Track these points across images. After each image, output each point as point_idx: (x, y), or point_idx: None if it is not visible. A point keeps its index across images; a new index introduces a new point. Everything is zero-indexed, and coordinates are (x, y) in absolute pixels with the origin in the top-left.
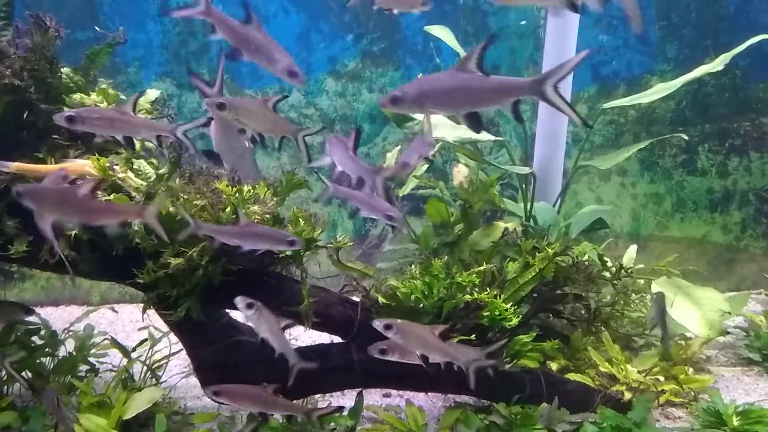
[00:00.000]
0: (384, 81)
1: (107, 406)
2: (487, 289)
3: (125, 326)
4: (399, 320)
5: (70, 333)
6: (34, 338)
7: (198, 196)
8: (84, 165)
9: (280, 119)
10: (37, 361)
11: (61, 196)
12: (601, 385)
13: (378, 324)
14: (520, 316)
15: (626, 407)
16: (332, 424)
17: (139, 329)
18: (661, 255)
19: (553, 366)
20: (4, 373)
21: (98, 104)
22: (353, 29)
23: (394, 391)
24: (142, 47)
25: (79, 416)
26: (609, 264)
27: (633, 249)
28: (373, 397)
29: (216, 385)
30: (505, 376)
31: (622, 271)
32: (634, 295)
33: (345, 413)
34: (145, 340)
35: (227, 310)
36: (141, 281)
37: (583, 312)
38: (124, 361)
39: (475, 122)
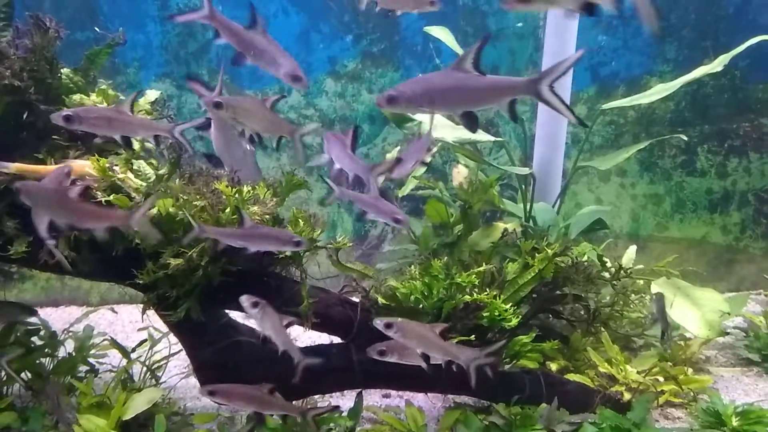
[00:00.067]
0: (384, 82)
1: (107, 407)
2: (487, 289)
3: (125, 327)
4: (399, 319)
5: (70, 333)
6: (34, 339)
7: (198, 197)
8: (84, 165)
9: (279, 119)
10: (37, 361)
11: (54, 195)
12: (601, 385)
13: (378, 323)
14: (520, 316)
15: (626, 408)
16: (332, 424)
17: (139, 330)
18: (660, 256)
19: (553, 366)
20: (3, 373)
21: (97, 104)
22: (353, 30)
23: (393, 392)
24: (142, 48)
25: (78, 417)
26: (608, 264)
27: (632, 250)
28: (373, 397)
29: (212, 384)
30: (504, 377)
31: (622, 271)
32: (633, 295)
33: (345, 414)
34: (145, 340)
35: (226, 311)
36: (141, 282)
37: (582, 312)
38: (124, 361)
39: (472, 122)
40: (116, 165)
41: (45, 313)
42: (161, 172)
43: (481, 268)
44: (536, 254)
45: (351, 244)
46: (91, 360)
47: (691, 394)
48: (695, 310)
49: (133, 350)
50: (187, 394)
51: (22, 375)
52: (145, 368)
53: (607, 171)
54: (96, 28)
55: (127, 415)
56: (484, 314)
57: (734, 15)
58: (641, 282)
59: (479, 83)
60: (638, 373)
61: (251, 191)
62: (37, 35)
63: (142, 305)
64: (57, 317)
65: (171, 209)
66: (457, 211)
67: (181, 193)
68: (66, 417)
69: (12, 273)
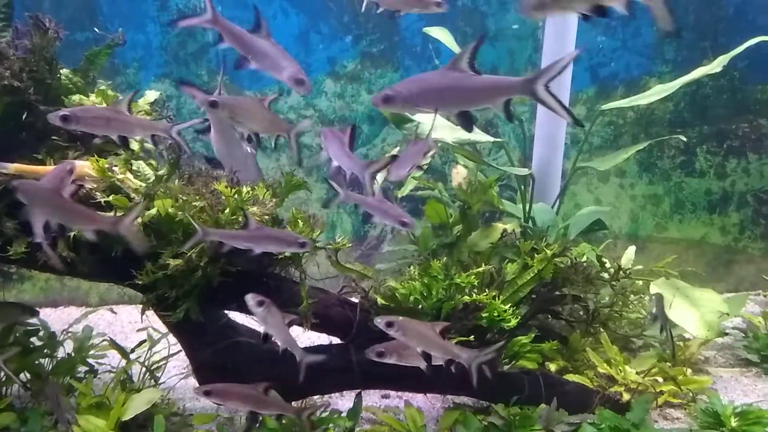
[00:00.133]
0: (383, 82)
1: (106, 408)
2: (486, 290)
3: (124, 327)
4: (400, 317)
5: (69, 334)
6: (33, 339)
7: (197, 198)
8: (83, 166)
9: (276, 118)
10: (36, 362)
11: (49, 195)
12: (600, 386)
13: (380, 321)
14: (519, 317)
15: (625, 408)
16: (331, 425)
17: (138, 330)
18: (659, 256)
19: (552, 367)
20: (3, 374)
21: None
22: (352, 30)
23: (392, 392)
24: (141, 48)
25: (78, 417)
26: (607, 265)
27: (631, 250)
28: (372, 398)
29: (207, 385)
30: (503, 377)
31: (621, 272)
32: (632, 296)
33: (344, 414)
34: (144, 341)
35: (226, 312)
36: (140, 282)
37: (581, 313)
38: (123, 362)
39: (467, 121)
40: (115, 166)
41: (44, 313)
42: (160, 172)
43: (480, 269)
44: (535, 255)
45: (350, 245)
46: (90, 360)
47: (690, 394)
48: (694, 311)
49: (133, 351)
50: (187, 394)
51: (22, 376)
52: (144, 369)
53: (607, 172)
54: (95, 29)
55: (126, 416)
56: (483, 315)
57: (733, 16)
58: (640, 282)
59: (475, 83)
60: (637, 373)
61: (250, 192)
62: (36, 36)
63: (141, 306)
64: (56, 318)
65: (170, 210)
66: (456, 212)
67: (180, 194)
68: (65, 417)
69: (11, 273)
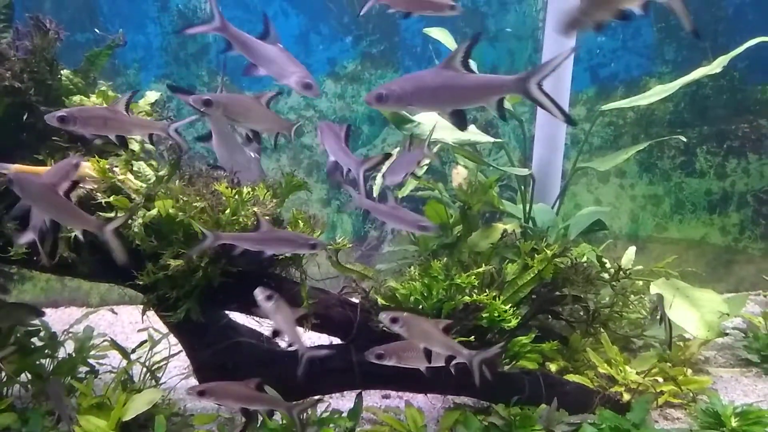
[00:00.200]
0: (383, 83)
1: (107, 408)
2: (486, 290)
3: (125, 328)
4: (405, 313)
5: (70, 334)
6: (34, 340)
7: (198, 198)
8: (84, 167)
9: (274, 115)
10: (37, 362)
11: (43, 190)
12: (600, 386)
13: (384, 316)
14: (519, 317)
15: (625, 408)
16: (331, 425)
17: (139, 331)
18: (659, 256)
19: (552, 367)
20: (3, 374)
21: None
22: (352, 31)
23: (393, 393)
24: (142, 49)
25: (78, 418)
26: (608, 265)
27: (632, 250)
28: (373, 398)
29: (199, 385)
30: (504, 378)
31: (621, 272)
32: (632, 296)
33: (344, 414)
34: (145, 341)
35: (226, 312)
36: (140, 283)
37: (581, 313)
38: (124, 362)
39: (460, 120)
40: (116, 166)
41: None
42: (161, 173)
43: (480, 269)
44: (536, 255)
45: (350, 245)
46: (91, 361)
47: (691, 394)
48: (694, 311)
49: (133, 351)
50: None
51: (22, 376)
52: (145, 369)
53: (607, 172)
54: (96, 30)
55: (127, 416)
56: (484, 315)
57: (733, 16)
58: (640, 283)
59: (468, 81)
60: (637, 373)
61: (251, 192)
62: (37, 37)
63: (142, 306)
64: (57, 318)
65: (171, 210)
66: (456, 212)
67: (181, 195)
68: (68, 413)
69: (12, 274)
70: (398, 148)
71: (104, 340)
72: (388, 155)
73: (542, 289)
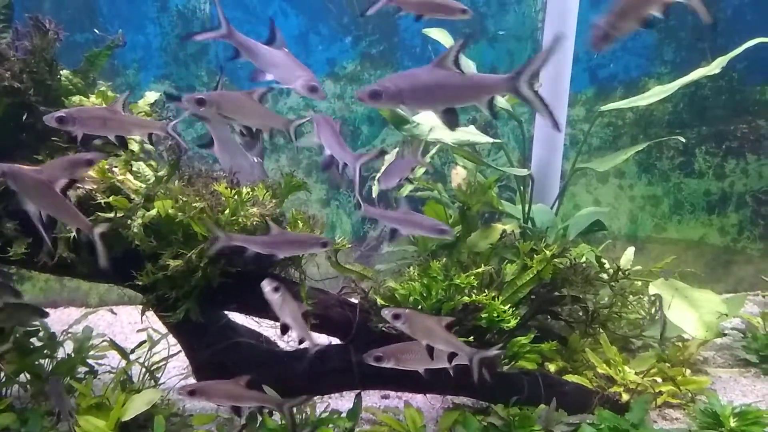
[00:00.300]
0: None
1: (106, 408)
2: (486, 290)
3: (124, 328)
4: (407, 309)
5: (69, 335)
6: (33, 340)
7: (197, 199)
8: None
9: (269, 111)
10: (36, 362)
11: (37, 184)
12: (599, 386)
13: (386, 313)
14: (518, 317)
15: (624, 408)
16: (330, 425)
17: (138, 331)
18: (658, 257)
19: (551, 367)
20: (2, 374)
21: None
22: (352, 31)
23: (392, 393)
24: (141, 49)
25: (78, 418)
26: (607, 266)
27: (630, 251)
28: (372, 398)
29: (189, 384)
30: (503, 378)
31: (620, 272)
32: (631, 296)
33: (344, 415)
34: (144, 341)
35: (226, 312)
36: (140, 283)
37: (580, 314)
38: (123, 362)
39: (452, 118)
40: (116, 166)
41: None
42: (160, 173)
43: (479, 270)
44: (535, 255)
45: (350, 246)
46: (90, 361)
47: (689, 395)
48: (693, 312)
49: (132, 351)
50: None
51: (22, 376)
52: (144, 369)
53: (606, 172)
54: (95, 30)
55: (126, 416)
56: (483, 315)
57: (732, 17)
58: (639, 283)
59: (460, 81)
60: (636, 374)
61: (250, 192)
62: (36, 37)
63: (141, 306)
64: (56, 318)
65: (170, 211)
66: (455, 213)
67: (180, 195)
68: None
69: (11, 274)
70: (396, 149)
71: (103, 341)
72: (383, 151)
73: (541, 290)
